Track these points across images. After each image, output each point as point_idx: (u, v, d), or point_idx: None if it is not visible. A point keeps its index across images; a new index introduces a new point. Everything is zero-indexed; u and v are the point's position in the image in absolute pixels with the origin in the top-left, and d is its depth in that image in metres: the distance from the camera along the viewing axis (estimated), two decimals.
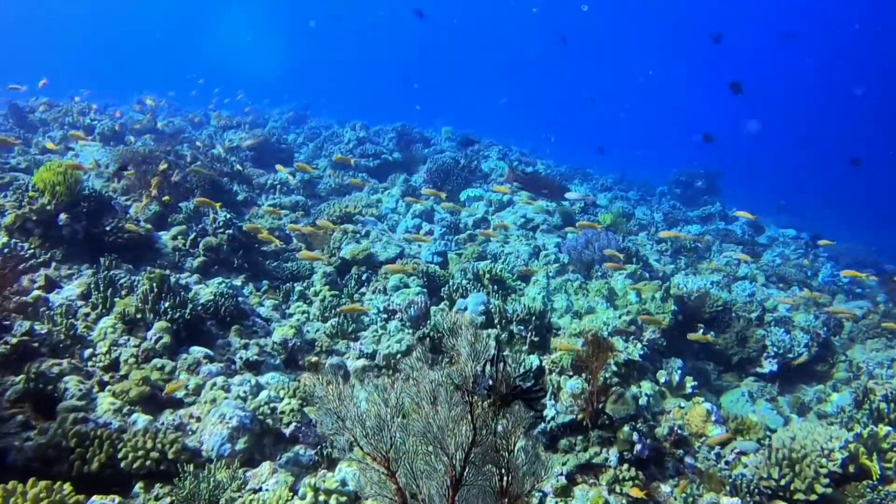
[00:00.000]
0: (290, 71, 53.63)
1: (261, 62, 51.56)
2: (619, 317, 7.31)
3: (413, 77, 32.71)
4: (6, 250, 6.62)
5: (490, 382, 2.84)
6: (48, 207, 6.85)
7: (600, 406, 5.24)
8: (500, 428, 2.81)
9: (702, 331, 7.73)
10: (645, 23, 60.20)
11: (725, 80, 13.78)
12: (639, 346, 6.60)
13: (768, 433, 6.10)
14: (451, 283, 7.67)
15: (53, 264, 6.73)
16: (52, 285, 6.40)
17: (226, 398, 5.14)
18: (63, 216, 6.85)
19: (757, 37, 52.57)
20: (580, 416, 5.31)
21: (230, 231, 7.95)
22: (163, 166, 9.71)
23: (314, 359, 6.33)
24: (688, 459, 5.48)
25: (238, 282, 7.71)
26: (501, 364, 2.85)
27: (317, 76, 58.18)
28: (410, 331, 6.64)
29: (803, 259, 12.73)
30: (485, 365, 2.81)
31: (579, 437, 5.28)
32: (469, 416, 2.75)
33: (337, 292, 7.79)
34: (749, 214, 12.76)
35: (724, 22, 47.70)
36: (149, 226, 7.94)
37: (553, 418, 5.36)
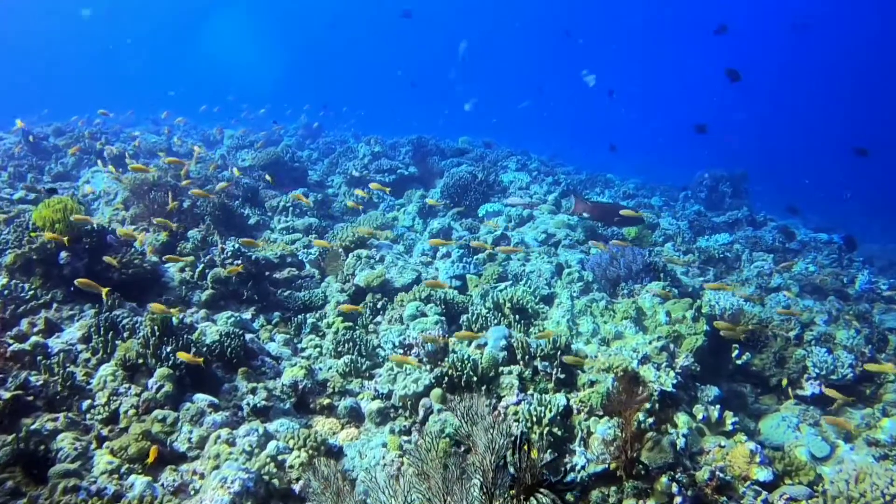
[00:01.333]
0: (290, 81, 53.95)
1: (260, 73, 52.09)
2: (650, 342, 6.86)
3: (418, 82, 32.43)
4: (6, 292, 6.37)
5: (513, 472, 2.46)
6: (48, 246, 6.59)
7: (635, 455, 4.80)
8: None
9: (737, 352, 7.33)
10: (655, 18, 59.51)
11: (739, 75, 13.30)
12: (671, 373, 6.16)
13: (816, 466, 5.63)
14: (470, 311, 7.26)
15: (55, 305, 6.47)
16: (52, 328, 6.12)
17: (230, 453, 4.80)
18: (64, 254, 6.59)
19: (769, 28, 51.71)
20: (613, 466, 4.87)
21: (239, 261, 7.64)
22: (185, 179, 9.54)
23: (326, 401, 5.96)
24: None
25: (248, 315, 7.40)
26: (525, 449, 2.46)
27: (331, 85, 58.23)
28: (428, 367, 6.24)
29: (827, 271, 12.01)
30: (505, 454, 2.42)
31: (612, 489, 4.83)
32: None
33: (351, 323, 7.44)
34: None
35: (736, 13, 46.90)
36: (154, 258, 7.66)
37: (583, 467, 4.93)
